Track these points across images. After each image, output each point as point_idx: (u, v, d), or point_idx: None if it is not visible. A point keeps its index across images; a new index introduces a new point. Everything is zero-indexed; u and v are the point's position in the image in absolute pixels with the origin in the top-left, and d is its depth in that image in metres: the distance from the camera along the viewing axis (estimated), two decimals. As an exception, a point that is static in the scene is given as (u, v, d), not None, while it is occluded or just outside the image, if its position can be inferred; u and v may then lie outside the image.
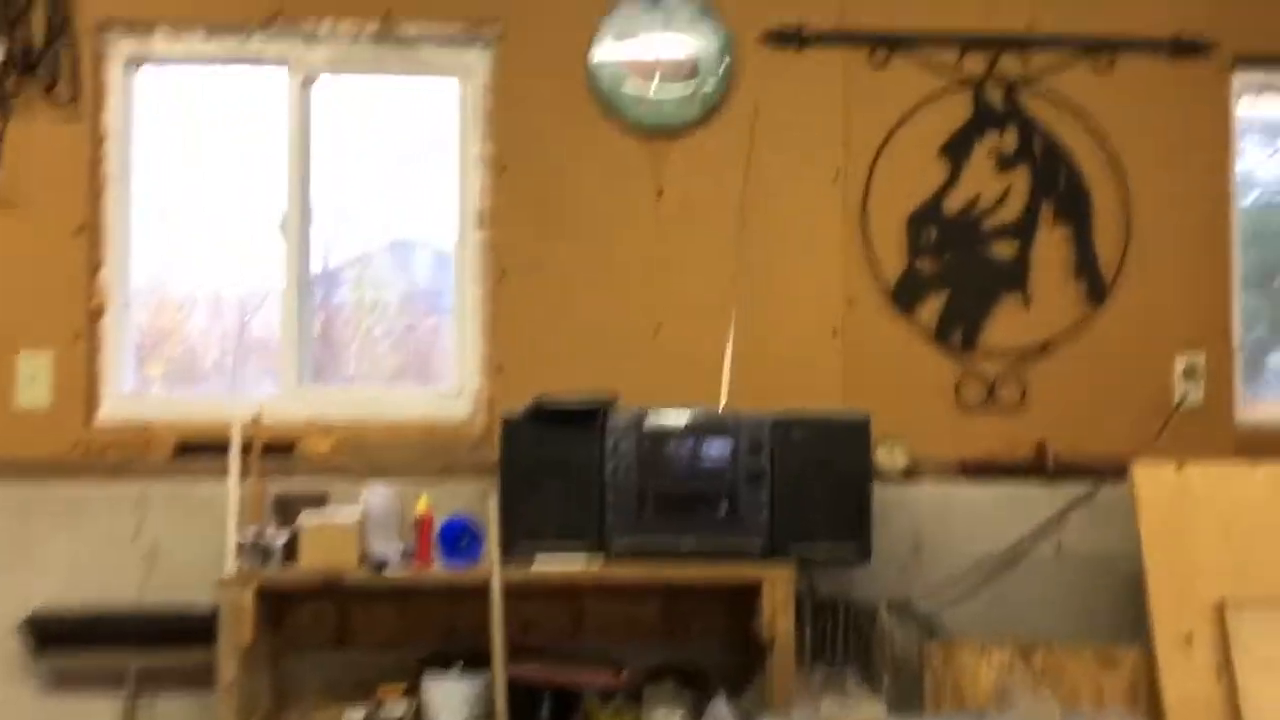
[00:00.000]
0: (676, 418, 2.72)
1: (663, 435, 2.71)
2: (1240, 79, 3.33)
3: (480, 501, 2.95)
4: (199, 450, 3.05)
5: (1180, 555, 2.74)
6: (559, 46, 3.16)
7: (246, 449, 2.92)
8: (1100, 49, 3.25)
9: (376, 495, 2.88)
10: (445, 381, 3.25)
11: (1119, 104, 3.26)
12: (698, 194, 3.18)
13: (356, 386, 3.28)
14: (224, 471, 2.94)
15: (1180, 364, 3.25)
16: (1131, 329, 3.25)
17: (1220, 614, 2.68)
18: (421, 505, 2.67)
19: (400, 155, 3.32)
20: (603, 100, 3.15)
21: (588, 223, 3.16)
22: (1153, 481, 2.81)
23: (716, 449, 2.71)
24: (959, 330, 3.22)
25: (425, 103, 3.30)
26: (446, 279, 3.32)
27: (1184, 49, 3.28)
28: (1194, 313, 3.28)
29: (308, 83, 3.19)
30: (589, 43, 3.15)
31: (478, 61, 3.19)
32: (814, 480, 2.70)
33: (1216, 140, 3.30)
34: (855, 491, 2.71)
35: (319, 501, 2.87)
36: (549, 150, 3.16)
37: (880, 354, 3.20)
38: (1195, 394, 3.24)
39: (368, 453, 3.10)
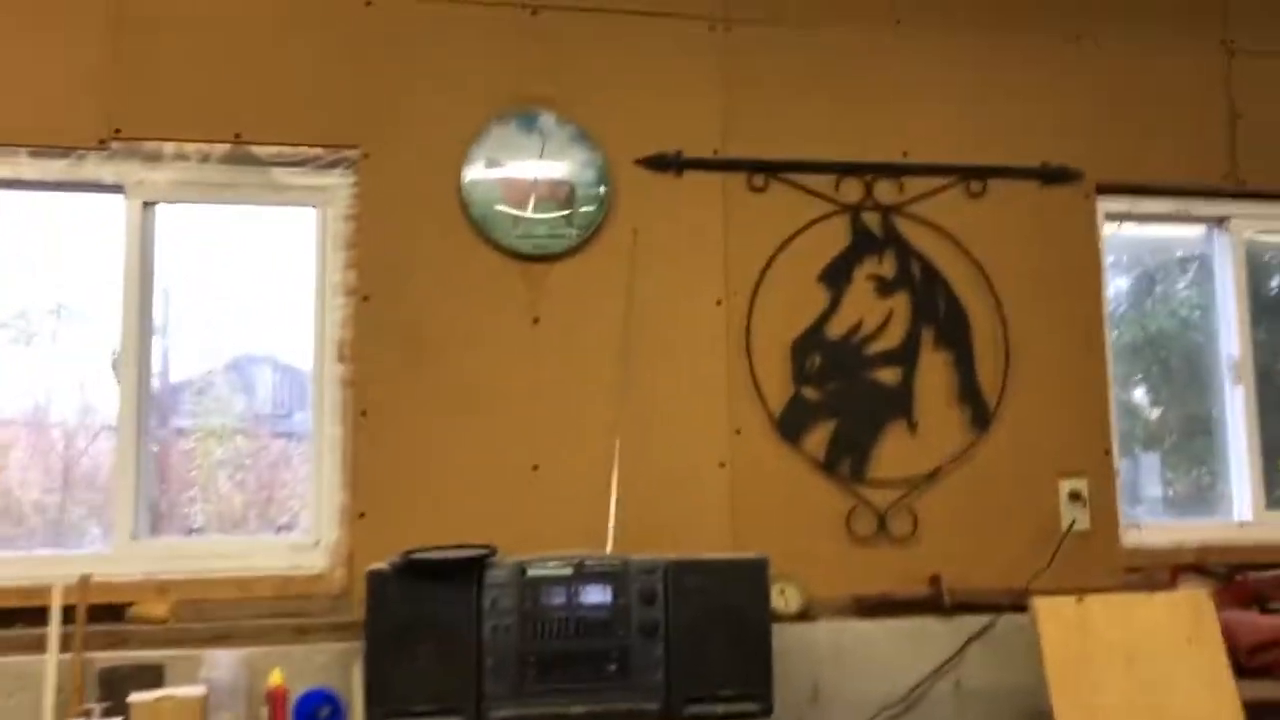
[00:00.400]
0: (561, 567, 2.50)
1: (546, 587, 2.48)
2: (1104, 206, 3.40)
3: (341, 668, 2.68)
4: (10, 618, 2.68)
5: (1087, 693, 2.63)
6: (427, 169, 2.99)
7: (69, 615, 2.57)
8: (972, 175, 3.27)
9: (221, 666, 2.56)
10: (299, 527, 2.95)
11: (992, 229, 3.27)
12: (576, 321, 3.03)
13: (197, 539, 2.94)
14: (40, 644, 2.58)
15: (1065, 488, 3.21)
16: (1017, 454, 3.21)
17: (1131, 755, 2.58)
18: (275, 678, 2.35)
19: (252, 281, 3.05)
20: (475, 223, 2.98)
21: (458, 354, 2.96)
22: (1054, 616, 2.71)
23: (606, 600, 2.49)
24: (847, 460, 3.12)
25: (280, 226, 3.06)
26: (295, 398, 3.06)
27: (1052, 176, 3.33)
28: (1074, 440, 3.26)
29: (149, 208, 2.93)
30: (459, 165, 2.99)
31: (338, 185, 2.99)
32: (711, 630, 2.51)
33: (1086, 265, 3.34)
34: (755, 640, 2.53)
35: (153, 676, 2.51)
36: (416, 277, 2.96)
37: (769, 486, 3.06)
38: (1082, 519, 3.20)
39: (211, 615, 2.77)
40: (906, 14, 3.30)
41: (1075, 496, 3.21)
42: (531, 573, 2.49)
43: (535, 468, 2.95)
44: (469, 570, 2.46)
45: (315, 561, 2.87)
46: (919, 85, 3.29)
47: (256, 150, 2.94)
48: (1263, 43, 3.53)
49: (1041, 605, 2.72)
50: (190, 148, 2.91)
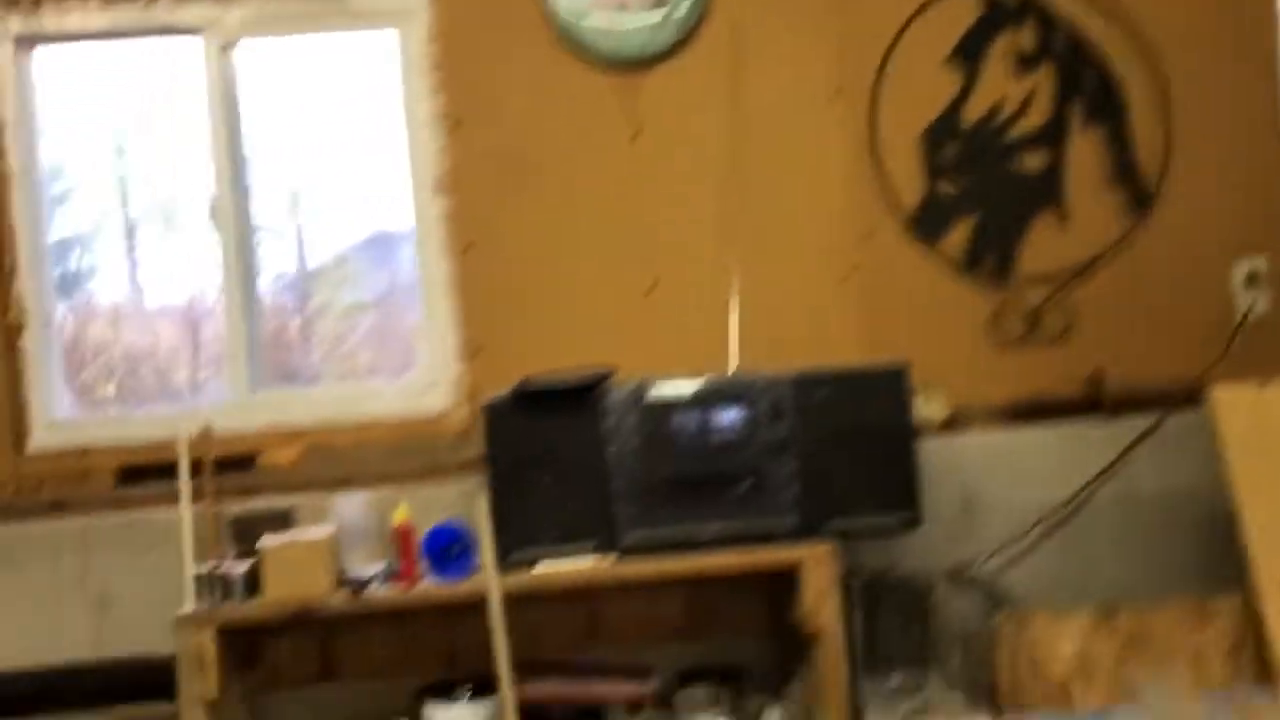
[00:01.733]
0: (683, 387, 2.35)
1: (669, 409, 2.34)
2: (1281, -56, 2.94)
3: (468, 505, 2.62)
4: (145, 474, 2.70)
5: (1274, 487, 2.38)
6: (508, -21, 2.77)
7: (197, 468, 2.57)
8: (1122, -76, 2.86)
9: (349, 507, 2.52)
10: (417, 372, 2.88)
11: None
12: (679, 131, 2.80)
13: (317, 386, 2.90)
14: (175, 497, 2.59)
15: (1240, 270, 2.88)
16: (1182, 238, 2.87)
17: (1327, 550, 2.33)
18: (400, 514, 2.30)
19: (345, 123, 2.92)
20: (564, 35, 2.76)
21: (559, 176, 2.78)
22: (1234, 407, 2.45)
23: (732, 419, 2.34)
24: (991, 257, 2.85)
25: (363, 58, 2.90)
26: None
27: (1217, -82, 2.88)
28: (1249, 213, 2.90)
29: (227, 49, 2.80)
30: (542, -29, 2.76)
31: (417, 6, 2.79)
32: (847, 443, 2.34)
33: (1259, 22, 2.91)
34: (897, 451, 2.35)
35: (283, 520, 2.50)
36: (508, 98, 2.78)
37: (904, 292, 2.83)
38: (1261, 303, 2.87)
39: (337, 459, 2.74)
40: None
41: (1253, 279, 2.87)
42: (653, 394, 2.35)
43: (650, 288, 2.79)
44: (587, 394, 2.34)
45: (434, 402, 2.80)
46: None
47: (330, -27, 2.76)
48: None
49: (1221, 396, 2.45)
50: (262, -21, 2.75)
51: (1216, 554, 2.56)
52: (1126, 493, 2.78)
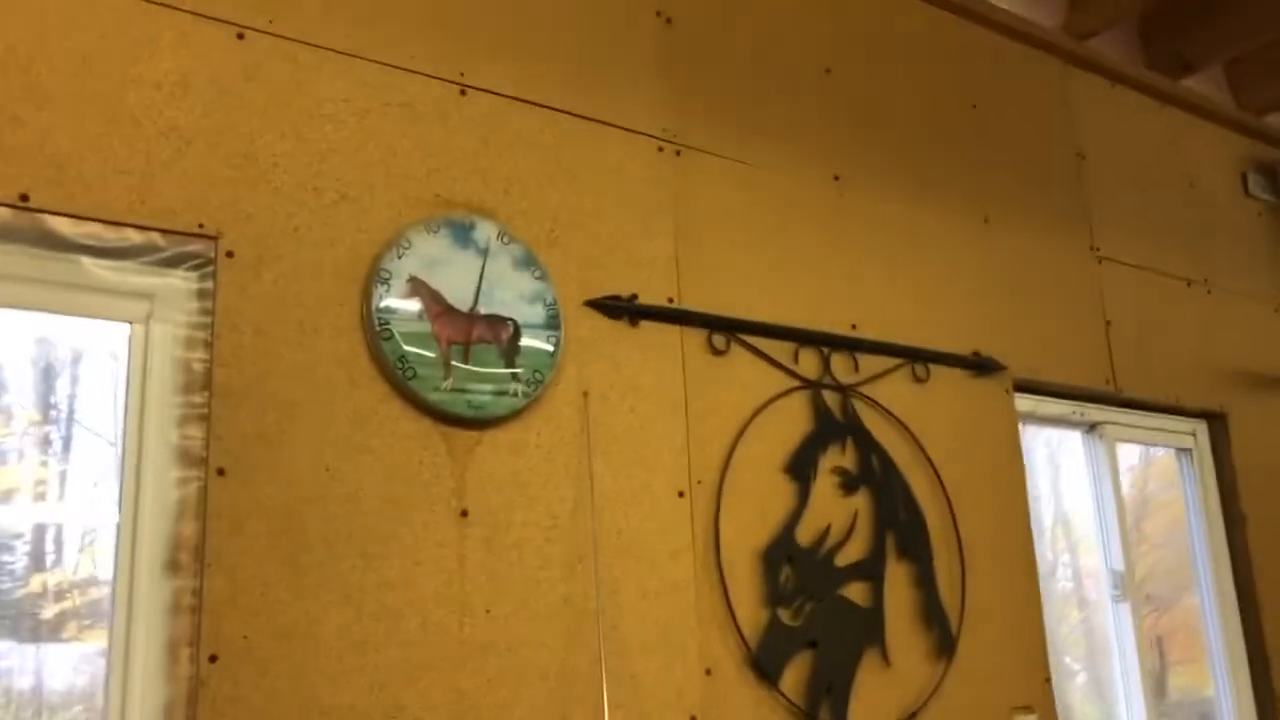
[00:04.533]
0: None
1: None
2: (1020, 403, 3.13)
3: None
4: None
5: None
6: (319, 282, 2.02)
7: None
8: (917, 357, 2.86)
9: None
10: None
11: (938, 420, 2.86)
12: (516, 515, 2.14)
13: None
14: None
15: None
16: (972, 685, 2.72)
17: None
18: None
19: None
20: (387, 368, 2.04)
21: (356, 562, 1.95)
22: None
23: None
24: (827, 703, 2.45)
25: (76, 347, 1.90)
26: None
27: (982, 367, 3.01)
28: (1020, 663, 2.86)
29: None
30: (368, 283, 2.05)
31: (179, 290, 1.92)
32: None
33: (1014, 465, 3.03)
34: None
35: None
36: (297, 445, 1.94)
37: (747, 741, 2.32)
38: (1044, 757, 2.77)
39: None
40: (844, 171, 2.89)
41: (1034, 732, 2.78)
42: None
43: (461, 729, 1.98)
44: None
45: None
46: (861, 250, 2.86)
47: (55, 223, 1.81)
48: (1121, 252, 3.53)
49: None
50: (-61, 207, 1.72)
51: None
52: None
